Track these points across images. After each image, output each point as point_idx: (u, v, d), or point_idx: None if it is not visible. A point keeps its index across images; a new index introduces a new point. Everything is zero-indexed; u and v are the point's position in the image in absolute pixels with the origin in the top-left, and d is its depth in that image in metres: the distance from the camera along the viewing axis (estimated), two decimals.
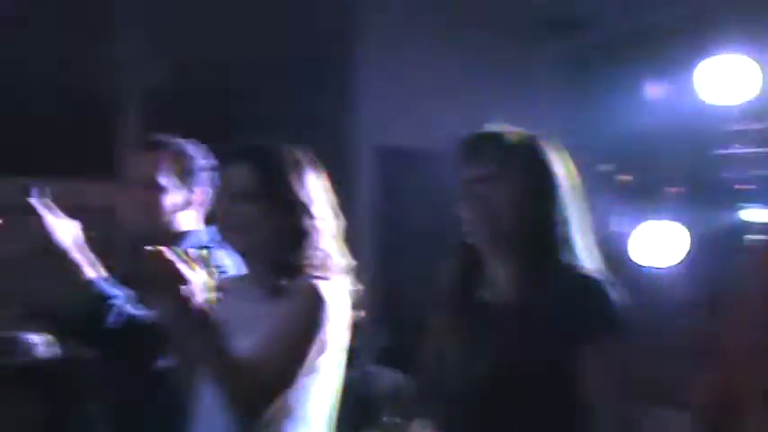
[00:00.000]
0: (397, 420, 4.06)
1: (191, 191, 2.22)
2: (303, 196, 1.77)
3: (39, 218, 1.99)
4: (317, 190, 1.81)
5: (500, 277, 1.67)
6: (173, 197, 2.19)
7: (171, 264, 1.62)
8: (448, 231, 1.73)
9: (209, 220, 2.27)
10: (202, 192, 2.25)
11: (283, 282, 1.72)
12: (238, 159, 1.79)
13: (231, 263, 2.07)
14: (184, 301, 1.60)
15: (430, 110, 5.11)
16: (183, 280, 1.60)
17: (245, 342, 1.68)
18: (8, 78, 5.17)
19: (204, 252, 2.13)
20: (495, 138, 1.69)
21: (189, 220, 2.23)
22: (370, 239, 5.07)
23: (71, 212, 2.06)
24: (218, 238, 2.23)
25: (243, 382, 1.63)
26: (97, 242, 2.12)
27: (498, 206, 1.63)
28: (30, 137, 5.32)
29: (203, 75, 5.15)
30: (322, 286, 1.72)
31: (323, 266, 1.75)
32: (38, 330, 1.89)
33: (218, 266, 2.07)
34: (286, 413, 1.70)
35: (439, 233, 2.01)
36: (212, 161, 2.27)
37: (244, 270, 1.91)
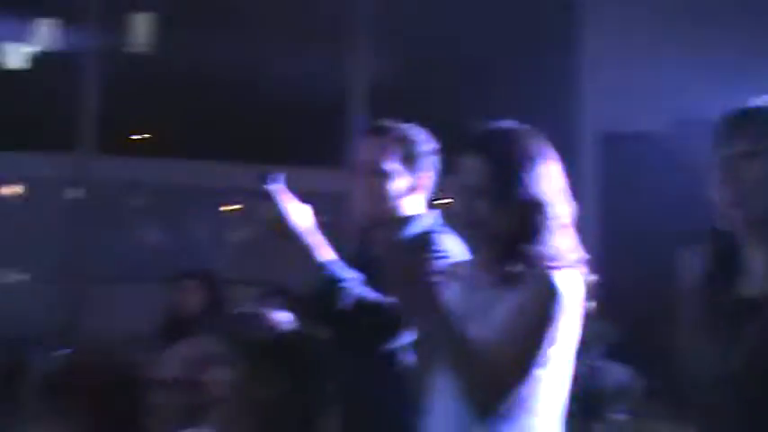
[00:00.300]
0: (625, 417, 3.90)
1: (415, 176, 2.25)
2: (536, 192, 1.71)
3: (275, 203, 2.11)
4: (550, 181, 1.74)
5: (758, 266, 1.53)
6: (397, 182, 2.20)
7: (417, 255, 1.66)
8: (681, 219, 1.63)
9: (434, 205, 2.30)
10: (427, 176, 2.26)
11: (516, 270, 1.70)
12: (472, 150, 1.74)
13: (456, 248, 2.08)
14: (429, 292, 1.63)
15: (658, 92, 4.85)
16: (428, 271, 1.63)
17: (476, 330, 1.67)
18: (247, 74, 5.57)
19: (428, 237, 2.16)
20: (758, 113, 1.55)
21: (413, 204, 2.24)
22: (597, 229, 4.91)
23: (304, 198, 2.17)
24: (443, 222, 2.25)
25: (480, 372, 1.60)
26: (328, 226, 2.21)
27: (759, 185, 1.50)
28: (267, 128, 5.70)
29: (429, 67, 5.24)
30: (556, 276, 1.66)
31: (555, 258, 1.70)
32: (278, 308, 2.01)
33: (442, 252, 2.09)
34: (518, 405, 1.64)
35: (671, 222, 1.88)
36: (437, 145, 2.29)
37: (469, 255, 1.90)
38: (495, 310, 1.70)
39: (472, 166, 1.74)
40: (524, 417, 1.68)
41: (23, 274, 6.08)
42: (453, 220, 1.91)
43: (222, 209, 6.41)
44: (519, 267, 1.69)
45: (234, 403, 1.76)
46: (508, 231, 1.72)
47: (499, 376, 1.63)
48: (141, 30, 6.33)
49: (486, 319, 1.69)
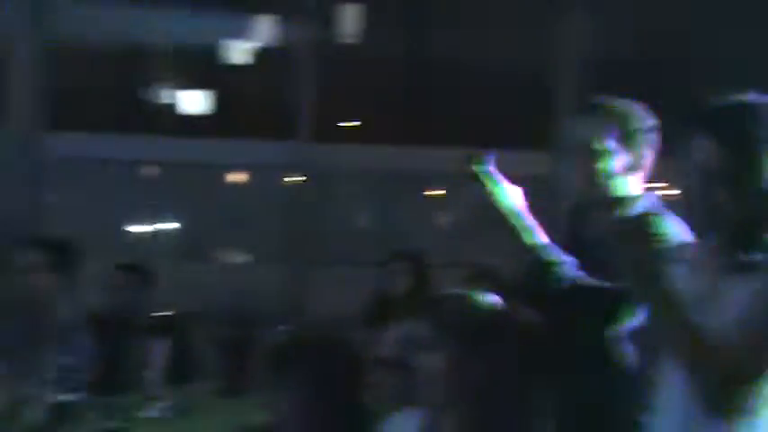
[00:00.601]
0: None
1: (633, 154, 2.12)
2: None
3: (484, 185, 2.06)
4: None
5: None
6: (614, 162, 2.10)
7: (641, 238, 1.54)
8: None
9: (653, 186, 2.15)
10: (645, 155, 2.13)
11: (754, 257, 1.53)
12: (703, 129, 1.55)
13: (678, 231, 1.93)
14: (655, 277, 1.51)
15: None
16: (654, 255, 1.51)
17: (707, 318, 1.53)
18: (455, 59, 5.55)
19: (648, 219, 2.02)
20: None
21: (631, 185, 2.11)
22: None
23: (513, 180, 2.11)
24: (662, 204, 2.10)
25: (718, 365, 1.46)
26: (539, 209, 2.13)
27: None
28: (475, 111, 5.67)
29: (646, 41, 4.97)
30: None
31: None
32: (486, 292, 1.97)
33: (662, 234, 1.95)
34: (761, 401, 1.51)
35: None
36: (656, 122, 2.14)
37: (693, 239, 1.75)
38: (729, 297, 1.54)
39: (703, 147, 1.56)
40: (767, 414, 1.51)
41: (249, 255, 6.47)
42: (677, 202, 1.76)
43: (428, 193, 6.46)
44: (758, 255, 1.52)
45: (444, 386, 1.74)
46: (745, 218, 1.54)
47: (740, 369, 1.47)
48: (352, 21, 6.50)
49: (719, 307, 1.54)
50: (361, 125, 6.59)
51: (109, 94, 6.36)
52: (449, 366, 1.73)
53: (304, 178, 6.24)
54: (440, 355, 1.76)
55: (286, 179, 6.38)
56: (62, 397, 2.91)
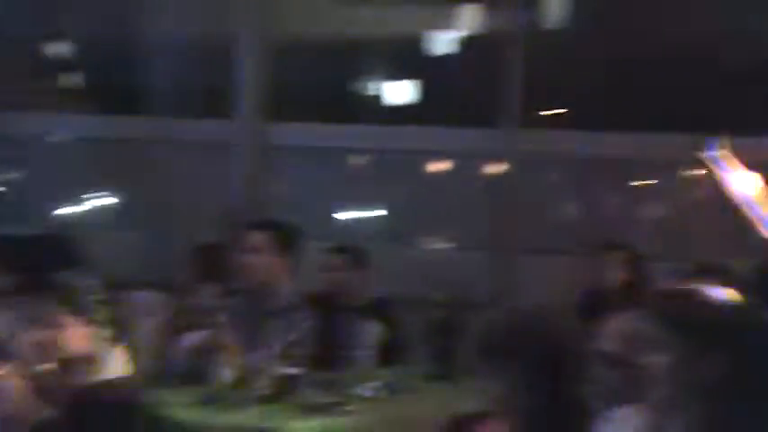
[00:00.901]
0: None
1: None
2: None
3: (711, 172, 1.91)
4: None
5: None
6: None
7: None
8: None
9: None
10: None
11: None
12: None
13: None
14: None
15: None
16: None
17: None
18: (665, 42, 5.24)
19: None
20: None
21: None
22: None
23: (754, 168, 1.93)
24: None
25: None
26: None
27: None
28: (692, 93, 5.32)
29: None
30: None
31: None
32: (716, 287, 1.83)
33: None
34: None
35: None
36: None
37: None
38: None
39: None
40: None
41: (453, 241, 6.50)
42: None
43: (636, 183, 6.17)
44: None
45: (673, 386, 1.63)
46: None
47: None
48: (557, 7, 6.33)
49: None
50: (566, 111, 6.39)
51: (323, 85, 6.60)
52: (678, 365, 1.62)
53: (508, 165, 6.15)
54: (668, 353, 1.64)
55: (490, 166, 6.32)
56: (285, 370, 3.05)
